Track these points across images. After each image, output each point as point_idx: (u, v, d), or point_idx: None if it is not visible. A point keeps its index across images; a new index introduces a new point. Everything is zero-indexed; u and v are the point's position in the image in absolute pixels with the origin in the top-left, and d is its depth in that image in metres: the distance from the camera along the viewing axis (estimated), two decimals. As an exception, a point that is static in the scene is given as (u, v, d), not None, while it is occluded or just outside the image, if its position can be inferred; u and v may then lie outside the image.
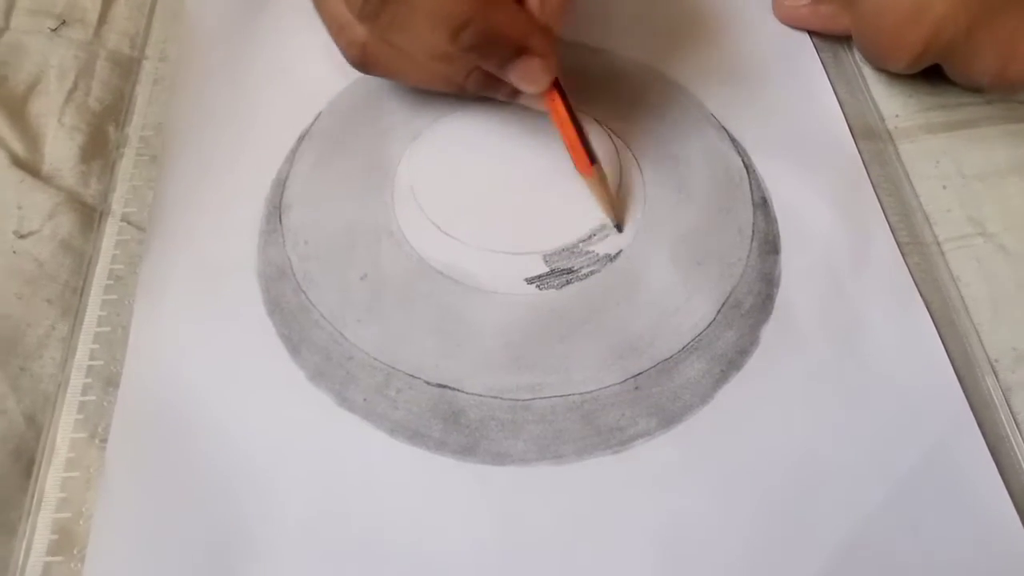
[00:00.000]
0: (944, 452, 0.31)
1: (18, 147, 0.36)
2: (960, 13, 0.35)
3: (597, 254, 0.35)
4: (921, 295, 0.34)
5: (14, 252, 0.33)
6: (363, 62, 0.35)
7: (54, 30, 0.40)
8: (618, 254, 0.35)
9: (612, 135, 0.39)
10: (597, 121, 0.39)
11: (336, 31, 0.34)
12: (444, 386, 0.31)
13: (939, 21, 0.36)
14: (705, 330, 0.33)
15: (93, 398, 0.31)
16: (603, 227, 0.36)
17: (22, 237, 0.34)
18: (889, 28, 0.38)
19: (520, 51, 0.32)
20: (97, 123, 0.38)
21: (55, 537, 0.28)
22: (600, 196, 0.36)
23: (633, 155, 0.38)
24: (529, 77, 0.33)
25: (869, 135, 0.40)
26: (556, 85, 0.34)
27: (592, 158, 0.35)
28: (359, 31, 0.33)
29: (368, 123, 0.39)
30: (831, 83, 0.41)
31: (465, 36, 0.31)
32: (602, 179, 0.35)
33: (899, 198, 0.38)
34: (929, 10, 0.36)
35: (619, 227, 0.36)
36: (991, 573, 0.29)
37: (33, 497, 0.29)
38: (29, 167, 0.35)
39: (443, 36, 0.31)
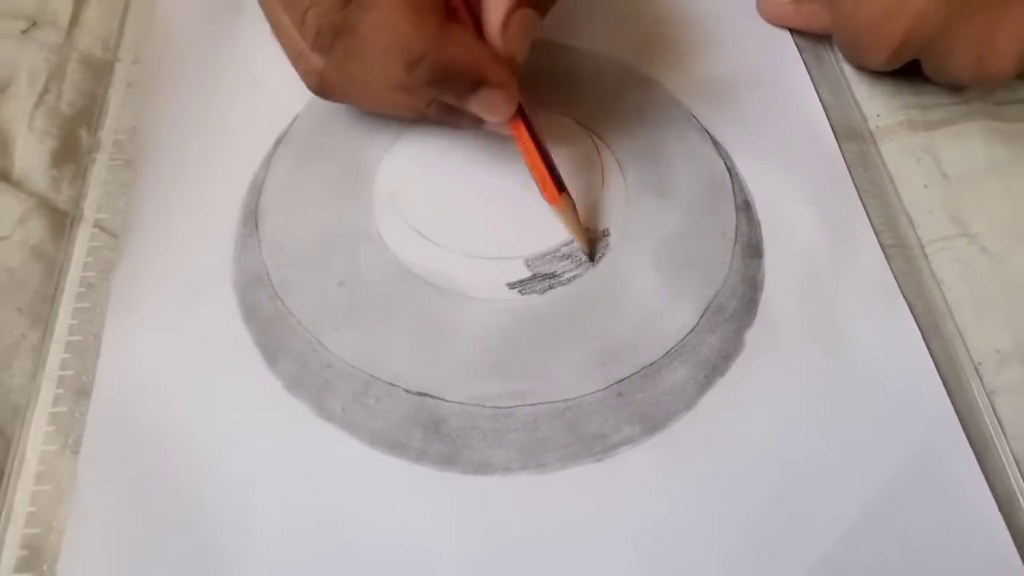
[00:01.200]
0: (929, 456, 0.31)
1: (-13, 151, 0.35)
2: (939, 7, 0.35)
3: (580, 258, 0.35)
4: (905, 298, 0.34)
5: (-17, 260, 0.32)
6: (321, 90, 0.34)
7: (24, 32, 0.39)
8: (601, 258, 0.35)
9: (594, 137, 0.38)
10: (579, 123, 0.39)
11: (294, 58, 0.34)
12: (424, 394, 0.31)
13: (917, 15, 0.35)
14: (688, 335, 0.33)
15: (64, 409, 0.30)
16: (585, 231, 0.35)
17: (-9, 244, 0.33)
18: (867, 22, 0.37)
19: (478, 83, 0.31)
20: (69, 127, 0.37)
21: (24, 553, 0.27)
22: (571, 225, 0.35)
23: (615, 158, 0.38)
24: (490, 108, 0.32)
25: (852, 136, 0.40)
26: (521, 113, 0.33)
27: (560, 187, 0.34)
28: (315, 60, 0.33)
29: (346, 126, 0.38)
30: (814, 84, 0.41)
31: (420, 71, 0.30)
32: (571, 208, 0.34)
33: (882, 200, 0.37)
34: (907, 4, 0.35)
35: (591, 256, 0.35)
36: (977, 576, 0.29)
37: (2, 511, 0.28)
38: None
39: (398, 70, 0.31)
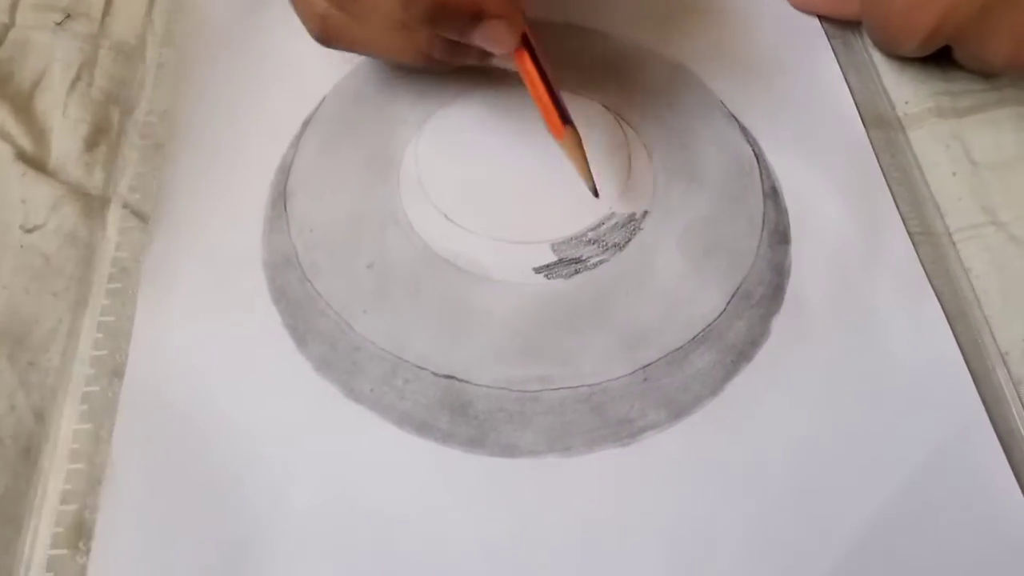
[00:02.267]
0: (955, 445, 0.31)
1: (25, 142, 0.35)
2: None
3: (606, 243, 0.35)
4: (932, 286, 0.34)
5: (21, 247, 0.33)
6: (324, 35, 0.34)
7: (59, 24, 0.40)
8: (627, 243, 0.35)
9: (621, 122, 0.38)
10: (607, 108, 0.39)
11: (298, 4, 0.34)
12: (452, 377, 0.31)
13: (950, 1, 0.35)
14: (715, 320, 0.33)
15: (97, 389, 0.30)
16: (612, 215, 0.35)
17: (28, 232, 0.33)
18: (899, 9, 0.37)
19: (477, 16, 0.30)
20: (101, 112, 0.37)
21: (59, 530, 0.28)
22: (575, 159, 0.34)
23: (643, 143, 0.38)
24: (494, 40, 0.31)
25: (880, 123, 0.39)
26: (526, 43, 0.32)
27: (565, 118, 0.33)
28: (318, 3, 0.33)
29: (374, 108, 0.38)
30: (842, 70, 0.41)
31: (416, 7, 0.30)
32: (576, 142, 0.34)
33: (910, 188, 0.37)
34: None
35: (595, 191, 0.34)
36: (1002, 566, 0.29)
37: (38, 488, 0.29)
38: (36, 162, 0.35)
39: (395, 6, 0.30)
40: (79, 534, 0.28)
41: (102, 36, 0.40)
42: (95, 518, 0.28)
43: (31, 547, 0.27)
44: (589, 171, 0.34)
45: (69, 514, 0.28)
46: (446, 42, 0.33)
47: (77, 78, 0.38)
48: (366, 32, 0.33)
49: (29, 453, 0.29)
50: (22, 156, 0.35)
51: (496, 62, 0.34)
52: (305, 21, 0.34)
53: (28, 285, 0.32)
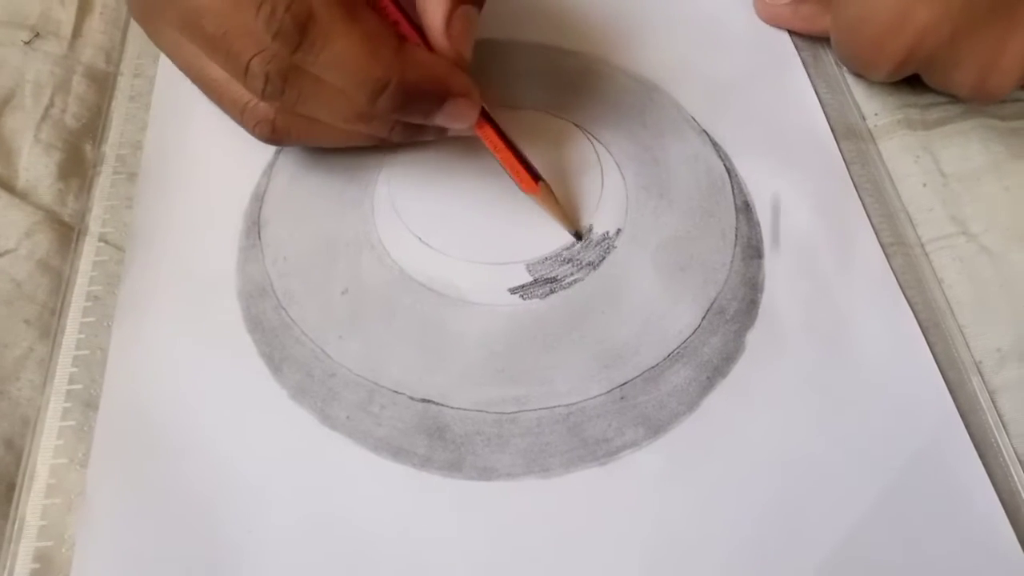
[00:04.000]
0: (932, 455, 0.31)
1: (-9, 161, 0.35)
2: (943, 24, 0.35)
3: (580, 262, 0.35)
4: (905, 297, 0.34)
5: (-10, 272, 0.33)
6: (274, 138, 0.33)
7: (27, 43, 0.40)
8: (602, 261, 0.35)
9: (593, 140, 0.38)
10: (578, 126, 0.39)
11: (239, 114, 0.33)
12: (428, 401, 0.31)
13: (922, 31, 0.35)
14: (690, 337, 0.33)
15: (73, 423, 0.30)
16: (586, 235, 0.35)
17: (-2, 256, 0.33)
18: (870, 38, 0.37)
19: (442, 99, 0.31)
20: (74, 140, 0.37)
21: (37, 566, 0.28)
22: (552, 211, 0.35)
23: (614, 161, 0.38)
24: (456, 118, 0.32)
25: (850, 135, 0.40)
26: (483, 114, 0.33)
27: (535, 176, 0.34)
28: (263, 108, 0.32)
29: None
30: (812, 83, 0.41)
31: (385, 99, 0.30)
32: (550, 194, 0.35)
33: (882, 199, 0.37)
34: (912, 20, 0.35)
35: (578, 236, 0.35)
36: (980, 574, 0.29)
37: (14, 524, 0.28)
38: (3, 183, 0.35)
39: (360, 101, 0.30)
40: (56, 569, 0.28)
41: (73, 59, 0.40)
42: (72, 553, 0.28)
43: (8, 584, 0.27)
44: (568, 218, 0.35)
45: (46, 549, 0.28)
46: (406, 125, 0.33)
47: (51, 104, 0.38)
48: (321, 129, 0.33)
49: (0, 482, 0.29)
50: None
51: (452, 134, 0.35)
52: (251, 129, 0.33)
53: (-3, 309, 0.32)
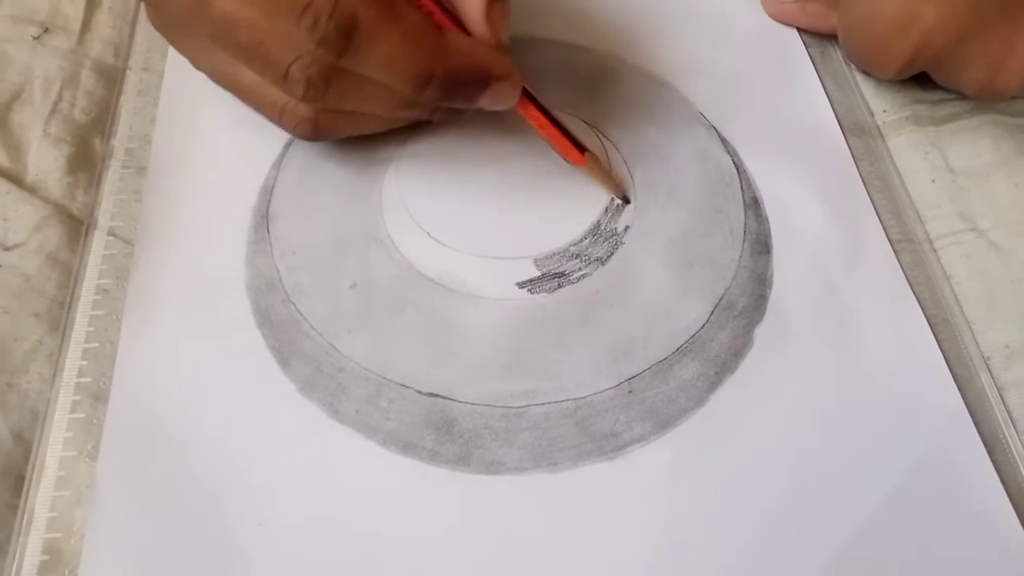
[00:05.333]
0: (940, 451, 0.31)
1: (1, 157, 0.35)
2: (950, 24, 0.35)
3: (589, 257, 0.35)
4: (914, 293, 0.34)
5: (0, 265, 0.33)
6: (316, 135, 0.33)
7: (36, 38, 0.40)
8: (610, 257, 0.35)
9: (601, 136, 0.38)
10: (585, 122, 0.39)
11: (277, 116, 0.33)
12: (436, 395, 0.31)
13: (928, 32, 0.35)
14: (699, 331, 0.33)
15: (82, 415, 0.30)
16: (594, 230, 0.35)
17: (7, 249, 0.33)
18: (877, 37, 0.37)
19: (486, 83, 0.31)
20: (83, 135, 0.37)
21: (46, 557, 0.28)
22: (601, 179, 0.36)
23: (623, 157, 0.38)
24: (500, 100, 0.33)
25: (859, 132, 0.40)
26: (525, 93, 0.34)
27: (581, 148, 0.35)
28: (303, 109, 0.32)
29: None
30: (820, 80, 0.41)
31: (430, 90, 0.30)
32: (596, 163, 0.36)
33: (890, 195, 0.37)
34: (918, 20, 0.35)
35: (626, 199, 0.36)
36: (989, 570, 0.29)
37: (23, 517, 0.28)
38: (12, 177, 0.35)
39: (406, 92, 0.30)
40: (65, 561, 0.28)
41: (81, 53, 0.40)
42: (80, 545, 0.28)
43: (15, 574, 0.27)
44: (616, 184, 0.36)
45: (54, 541, 0.28)
46: (448, 109, 0.33)
47: (59, 98, 0.38)
48: (362, 120, 0.34)
49: (8, 475, 0.29)
50: (0, 171, 0.35)
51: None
52: (291, 129, 0.33)
53: (7, 304, 0.32)
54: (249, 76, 0.31)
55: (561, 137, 0.35)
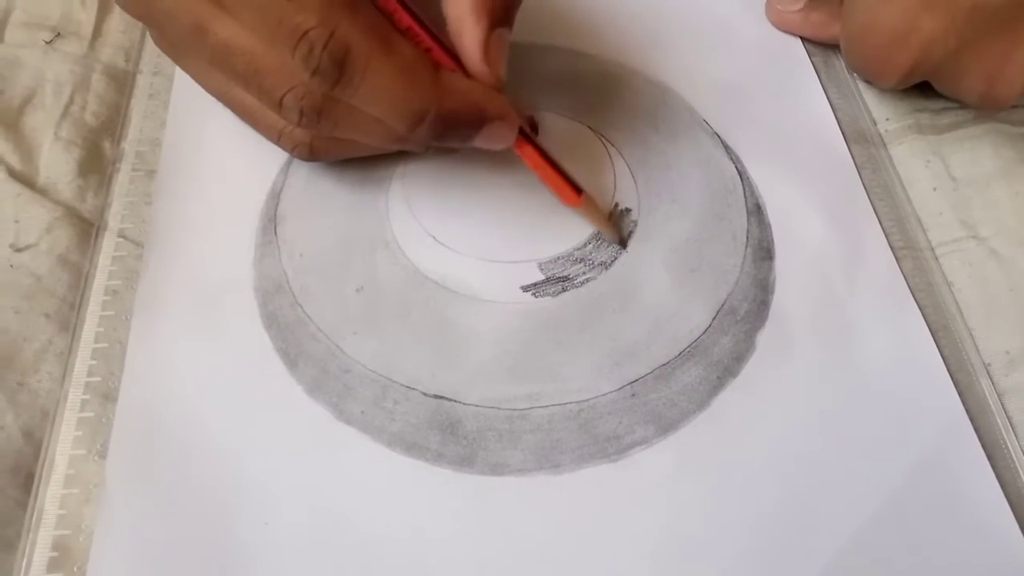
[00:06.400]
0: (941, 457, 0.31)
1: (13, 160, 0.36)
2: (949, 35, 0.35)
3: (592, 262, 0.35)
4: (915, 300, 0.35)
5: (11, 266, 0.33)
6: (313, 157, 0.34)
7: (48, 43, 0.40)
8: (613, 262, 0.35)
9: (606, 143, 0.39)
10: (591, 129, 0.39)
11: (275, 137, 0.33)
12: (441, 397, 0.32)
13: (927, 43, 0.36)
14: (701, 336, 0.34)
15: (91, 414, 0.31)
16: (598, 235, 0.36)
17: (19, 251, 0.34)
18: (877, 48, 0.38)
19: (482, 123, 0.31)
20: (93, 138, 0.38)
21: (55, 554, 0.28)
22: (596, 221, 0.36)
23: (626, 163, 0.38)
24: (495, 141, 0.32)
25: (861, 139, 0.40)
26: (521, 133, 0.33)
27: (577, 190, 0.34)
28: (300, 133, 0.32)
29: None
30: (823, 87, 0.42)
31: (423, 128, 0.30)
32: (593, 205, 0.35)
33: (892, 203, 0.38)
34: (917, 32, 0.35)
35: (623, 244, 0.36)
36: (989, 577, 0.29)
37: (32, 514, 0.29)
38: (24, 179, 0.35)
39: (398, 128, 0.30)
40: (74, 558, 0.28)
41: (92, 58, 0.40)
42: (89, 542, 0.28)
43: (25, 570, 0.28)
44: (611, 227, 0.36)
45: (64, 538, 0.28)
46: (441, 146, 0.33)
47: (71, 102, 0.38)
48: (358, 146, 0.34)
49: (18, 473, 0.29)
50: (12, 174, 0.35)
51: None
52: (289, 151, 0.34)
53: (18, 304, 0.33)
54: (249, 99, 0.32)
55: (557, 178, 0.34)
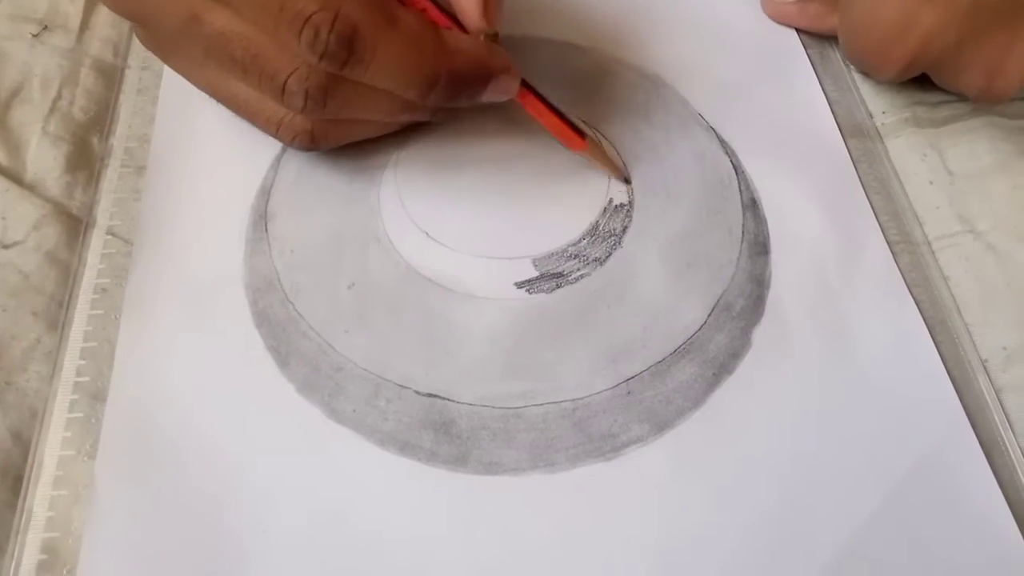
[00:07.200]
0: (938, 454, 0.31)
1: (0, 155, 0.35)
2: (948, 28, 0.35)
3: (587, 258, 0.35)
4: (912, 295, 0.34)
5: (-2, 263, 0.33)
6: (313, 146, 0.33)
7: (36, 36, 0.40)
8: (608, 257, 0.35)
9: (600, 136, 0.38)
10: (584, 123, 0.39)
11: (274, 129, 0.33)
12: (434, 395, 0.31)
13: (927, 36, 0.35)
14: (697, 332, 0.33)
15: (80, 415, 0.30)
16: (592, 231, 0.36)
17: (6, 247, 0.33)
18: (876, 42, 0.37)
19: (489, 78, 0.32)
20: (81, 133, 0.37)
21: (44, 557, 0.28)
22: (602, 163, 0.36)
23: (621, 157, 0.38)
24: (501, 93, 0.33)
25: (857, 133, 0.40)
26: (522, 83, 0.34)
27: (581, 133, 0.35)
28: (300, 121, 0.32)
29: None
30: (819, 81, 0.41)
31: (436, 92, 0.30)
32: (597, 147, 0.36)
33: (888, 197, 0.37)
34: (917, 25, 0.35)
35: (627, 180, 0.37)
36: (986, 575, 0.29)
37: (21, 516, 0.28)
38: (11, 175, 0.35)
39: (410, 96, 0.30)
40: (63, 560, 0.28)
41: (80, 52, 0.40)
42: (79, 545, 0.28)
43: (14, 573, 0.27)
44: (616, 166, 0.36)
45: (53, 540, 0.28)
46: (449, 108, 0.34)
47: (59, 96, 0.38)
48: (360, 127, 0.34)
49: (7, 474, 0.29)
50: (0, 170, 0.35)
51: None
52: (288, 141, 0.33)
53: (5, 302, 0.32)
54: (244, 90, 0.31)
55: (561, 124, 0.35)
